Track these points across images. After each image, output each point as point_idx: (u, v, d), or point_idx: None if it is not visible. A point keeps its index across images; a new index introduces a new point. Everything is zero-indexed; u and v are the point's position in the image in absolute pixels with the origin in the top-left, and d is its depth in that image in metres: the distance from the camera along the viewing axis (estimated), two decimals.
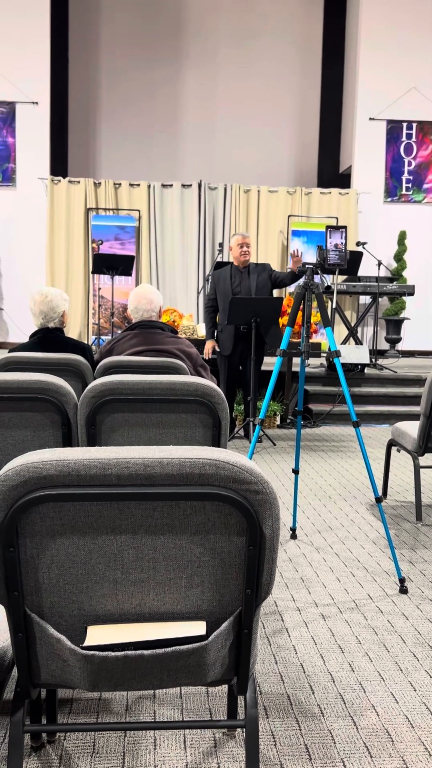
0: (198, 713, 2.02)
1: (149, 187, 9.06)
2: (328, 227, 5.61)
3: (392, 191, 9.52)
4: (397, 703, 2.09)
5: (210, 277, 6.19)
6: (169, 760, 1.81)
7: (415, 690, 2.16)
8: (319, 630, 2.54)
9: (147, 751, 1.84)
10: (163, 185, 9.11)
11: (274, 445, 5.65)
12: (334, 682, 2.20)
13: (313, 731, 1.94)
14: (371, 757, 1.84)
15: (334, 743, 1.89)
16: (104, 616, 1.35)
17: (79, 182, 9.00)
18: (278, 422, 6.47)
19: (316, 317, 6.61)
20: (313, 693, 2.13)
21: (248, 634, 1.39)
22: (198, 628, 1.36)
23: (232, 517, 1.31)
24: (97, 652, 1.31)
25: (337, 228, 5.28)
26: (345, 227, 5.62)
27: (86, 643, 1.31)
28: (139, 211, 9.05)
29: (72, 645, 1.31)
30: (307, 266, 2.95)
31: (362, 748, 1.87)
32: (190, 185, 9.10)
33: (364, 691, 2.14)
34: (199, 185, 9.08)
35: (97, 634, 1.33)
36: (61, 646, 1.32)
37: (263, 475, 1.29)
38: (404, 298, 8.99)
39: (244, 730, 1.46)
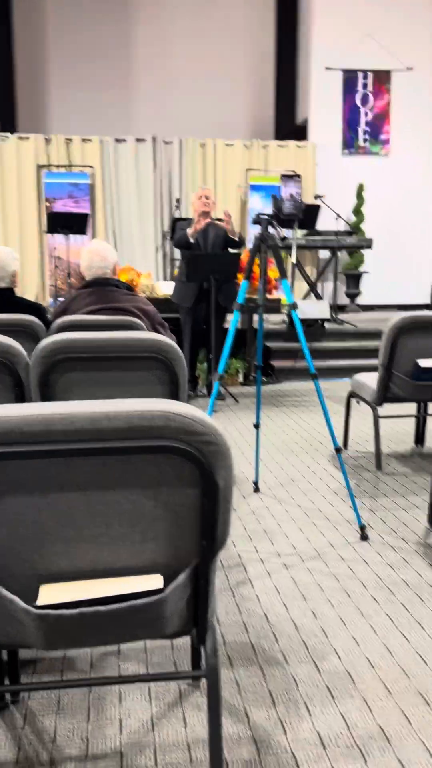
0: (163, 666, 2.03)
1: (102, 142, 8.80)
2: (282, 176, 5.51)
3: (350, 143, 9.42)
4: (359, 646, 2.13)
5: (174, 227, 6.03)
6: (134, 713, 1.82)
7: (375, 633, 2.20)
8: (282, 579, 2.57)
9: (112, 705, 1.85)
10: (117, 140, 8.85)
11: (237, 402, 5.65)
12: (297, 629, 2.23)
13: (276, 677, 1.97)
14: (333, 698, 1.88)
15: (297, 687, 1.92)
16: (58, 575, 1.33)
17: (29, 138, 8.68)
18: (241, 380, 6.47)
19: (275, 273, 6.56)
20: (276, 641, 2.16)
21: (205, 585, 1.39)
22: (154, 581, 1.35)
23: (184, 469, 1.28)
24: (51, 611, 1.29)
25: (291, 177, 5.19)
26: (299, 176, 5.51)
27: (39, 603, 1.29)
28: (92, 167, 8.79)
29: (25, 605, 1.29)
30: (261, 217, 2.90)
31: (324, 690, 1.91)
32: (145, 140, 8.87)
33: (327, 637, 2.18)
34: (154, 140, 8.85)
35: (51, 593, 1.31)
36: (14, 606, 1.30)
37: (215, 426, 1.27)
38: (363, 251, 8.98)
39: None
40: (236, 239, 5.42)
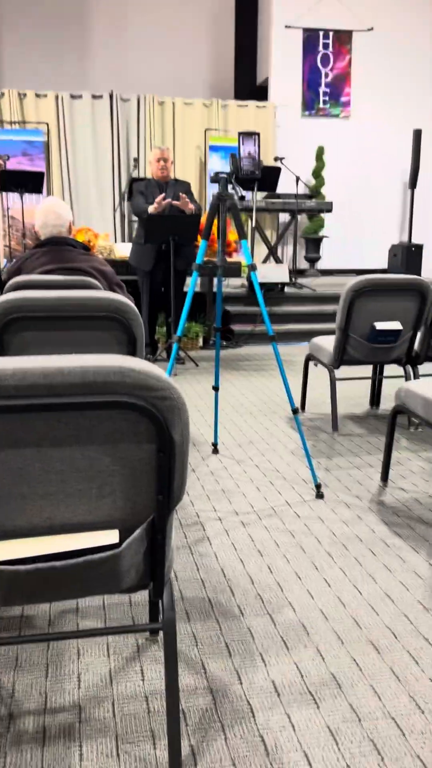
0: (121, 622, 2.06)
1: (57, 98, 8.52)
2: (240, 134, 5.42)
3: (310, 104, 9.33)
4: (313, 599, 2.19)
5: (132, 188, 5.88)
6: (92, 667, 1.85)
7: (329, 586, 2.27)
8: (239, 537, 2.61)
9: (70, 660, 1.87)
10: (72, 96, 8.58)
11: (197, 365, 5.65)
12: (253, 583, 2.28)
13: (233, 630, 2.02)
14: (287, 649, 1.93)
15: (253, 639, 1.97)
16: (13, 532, 1.32)
17: None
18: (201, 344, 6.46)
19: (235, 235, 6.51)
20: (233, 595, 2.20)
21: (162, 540, 1.40)
22: (110, 536, 1.35)
23: (140, 424, 1.28)
24: (6, 567, 1.28)
25: (250, 135, 5.12)
26: (258, 134, 5.44)
27: None
28: (47, 124, 8.52)
29: None
30: (220, 176, 2.86)
31: (279, 641, 1.97)
32: (101, 96, 8.62)
33: (282, 590, 2.24)
34: (111, 96, 8.61)
35: (6, 549, 1.30)
36: None
37: (170, 381, 1.26)
38: (323, 215, 8.98)
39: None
40: (190, 213, 5.31)
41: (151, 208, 5.23)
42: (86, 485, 1.32)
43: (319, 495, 2.98)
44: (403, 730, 1.62)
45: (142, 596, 2.17)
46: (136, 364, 1.25)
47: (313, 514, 2.82)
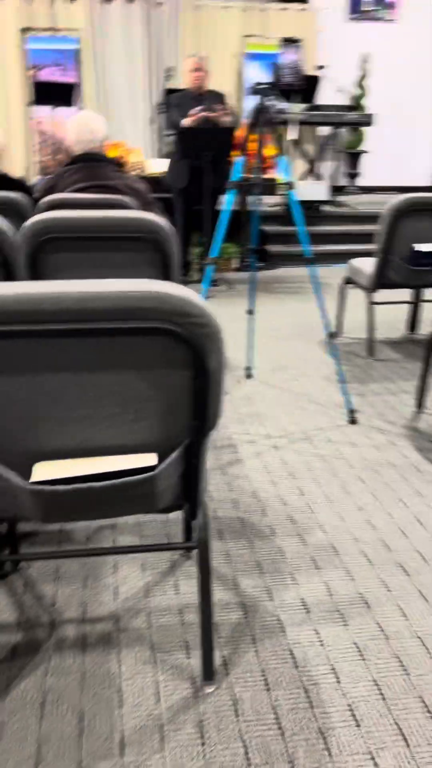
0: (156, 539, 2.13)
1: (89, 2, 8.11)
2: (282, 40, 5.11)
3: (355, 6, 8.72)
4: (344, 521, 2.23)
5: (168, 101, 5.66)
6: (129, 580, 1.92)
7: (360, 509, 2.30)
8: (272, 459, 2.64)
9: (108, 574, 1.95)
10: (104, 0, 8.16)
11: (232, 288, 5.58)
12: (285, 505, 2.32)
13: (264, 549, 2.07)
14: (317, 569, 1.98)
15: (284, 559, 2.03)
16: (51, 453, 1.35)
17: None
18: (236, 266, 6.35)
19: (272, 150, 6.27)
20: (264, 516, 2.25)
21: (197, 463, 1.42)
22: (149, 459, 1.38)
23: (176, 351, 1.27)
24: (45, 487, 1.32)
25: (292, 41, 4.83)
26: (300, 41, 5.12)
27: (33, 479, 1.32)
28: (79, 31, 8.16)
29: (20, 481, 1.32)
30: (260, 87, 2.72)
31: (309, 561, 2.02)
32: (134, 0, 8.18)
33: (313, 512, 2.28)
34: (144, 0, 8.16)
35: (45, 470, 1.34)
36: (9, 482, 1.33)
37: (206, 308, 1.25)
38: (363, 129, 8.56)
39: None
40: (228, 125, 5.11)
41: (185, 121, 5.05)
42: (122, 409, 1.33)
43: (353, 420, 2.98)
44: (429, 649, 1.67)
45: (177, 513, 2.23)
46: (172, 289, 1.23)
47: (345, 439, 2.83)
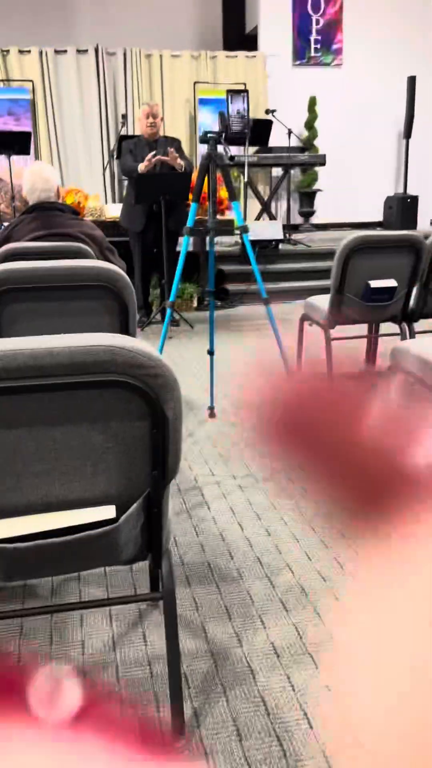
0: (123, 589, 2.09)
1: (41, 53, 8.26)
2: (228, 92, 5.30)
3: (301, 53, 9.06)
4: (311, 560, 2.23)
5: (120, 146, 5.76)
6: (96, 634, 1.89)
7: (327, 548, 2.30)
8: (237, 500, 2.64)
9: (74, 628, 1.91)
10: (57, 51, 8.32)
11: (192, 327, 5.63)
12: (251, 547, 2.31)
13: (232, 593, 2.06)
14: (286, 611, 1.97)
15: (253, 602, 2.01)
16: (10, 510, 1.33)
17: None
18: (195, 304, 6.41)
19: (226, 193, 6.41)
20: (232, 559, 2.24)
21: (158, 513, 1.42)
22: (107, 511, 1.37)
23: (132, 402, 1.28)
24: (6, 545, 1.30)
25: (238, 92, 5.00)
26: (246, 91, 5.31)
27: None
28: (32, 81, 8.29)
29: None
30: (209, 136, 2.80)
31: (278, 603, 2.01)
32: (87, 50, 8.36)
33: (280, 553, 2.27)
34: (96, 50, 8.35)
35: (5, 527, 1.32)
36: None
37: (161, 359, 1.26)
38: (316, 168, 8.81)
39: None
40: (180, 170, 5.22)
41: (141, 167, 5.14)
42: (81, 462, 1.33)
43: None
44: None
45: (144, 562, 2.21)
46: (126, 342, 1.24)
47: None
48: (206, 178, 3.00)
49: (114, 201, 8.36)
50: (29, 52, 8.26)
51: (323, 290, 4.48)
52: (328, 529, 2.42)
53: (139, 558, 1.50)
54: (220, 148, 2.87)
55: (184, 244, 3.12)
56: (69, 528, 1.35)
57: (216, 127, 7.69)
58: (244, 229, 2.93)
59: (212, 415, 3.57)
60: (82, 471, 1.33)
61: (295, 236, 7.85)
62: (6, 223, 7.77)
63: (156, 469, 1.36)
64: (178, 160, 5.18)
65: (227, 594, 2.05)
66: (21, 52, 8.25)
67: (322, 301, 3.96)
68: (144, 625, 1.91)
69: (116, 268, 2.34)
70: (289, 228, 7.88)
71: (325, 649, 1.81)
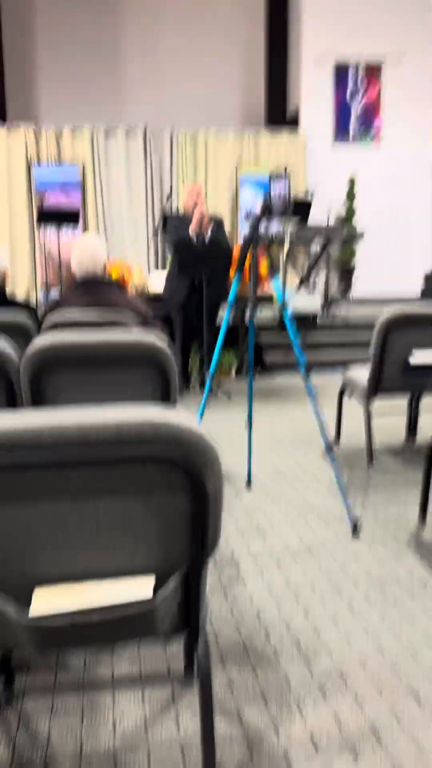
0: (156, 665, 2.04)
1: (92, 134, 8.74)
2: (270, 175, 5.49)
3: (340, 133, 9.39)
4: (350, 646, 2.15)
5: (165, 222, 6.00)
6: (128, 714, 1.83)
7: (366, 633, 2.22)
8: (274, 577, 2.58)
9: (106, 707, 1.86)
10: (107, 132, 8.80)
11: (230, 397, 5.66)
12: (288, 628, 2.25)
13: (268, 677, 1.99)
14: (324, 698, 1.90)
15: (289, 687, 1.94)
16: (49, 579, 1.33)
17: (19, 130, 8.61)
18: (234, 374, 6.47)
19: (266, 269, 6.56)
20: (268, 640, 2.18)
21: (196, 589, 1.40)
22: (146, 584, 1.35)
23: (174, 477, 1.29)
24: (43, 621, 1.29)
25: (280, 175, 5.18)
26: (288, 174, 5.50)
27: (32, 609, 1.30)
28: (83, 160, 8.74)
29: (17, 610, 1.29)
30: (251, 214, 2.89)
31: (316, 690, 1.93)
32: (135, 131, 8.81)
33: (318, 636, 2.20)
34: (144, 131, 8.80)
35: (44, 598, 1.31)
36: (6, 612, 1.30)
37: (203, 434, 1.27)
38: (355, 245, 8.97)
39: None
40: (206, 236, 5.41)
41: (191, 227, 5.33)
42: (121, 536, 1.33)
43: (355, 533, 2.94)
44: None
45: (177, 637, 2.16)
46: (169, 416, 1.26)
47: (349, 553, 2.78)
48: (248, 254, 3.08)
49: (157, 268, 8.61)
50: (81, 133, 8.73)
51: (362, 362, 4.48)
52: (368, 612, 2.34)
53: (175, 633, 1.47)
54: (261, 226, 2.95)
55: (225, 315, 3.19)
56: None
57: (257, 206, 7.94)
58: (284, 305, 2.98)
59: (249, 486, 3.54)
60: (122, 544, 1.33)
61: (334, 309, 7.92)
62: (54, 294, 8.07)
63: (195, 544, 1.35)
64: (204, 221, 5.38)
65: (263, 677, 1.98)
66: (74, 132, 8.73)
67: (361, 373, 3.96)
68: (177, 706, 1.85)
69: (158, 341, 2.40)
70: (328, 301, 7.97)
71: (365, 741, 1.72)
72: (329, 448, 2.96)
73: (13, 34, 9.82)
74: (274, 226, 5.73)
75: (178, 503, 1.32)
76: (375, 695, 1.90)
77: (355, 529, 2.94)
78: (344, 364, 6.62)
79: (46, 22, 9.91)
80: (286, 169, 8.05)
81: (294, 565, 2.68)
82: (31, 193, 8.66)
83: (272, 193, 5.21)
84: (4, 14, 9.73)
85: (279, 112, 10.13)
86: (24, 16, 9.87)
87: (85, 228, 8.68)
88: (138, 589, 1.35)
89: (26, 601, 1.33)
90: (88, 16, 9.88)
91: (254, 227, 2.83)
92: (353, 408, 4.82)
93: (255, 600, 2.42)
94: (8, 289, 3.44)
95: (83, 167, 8.75)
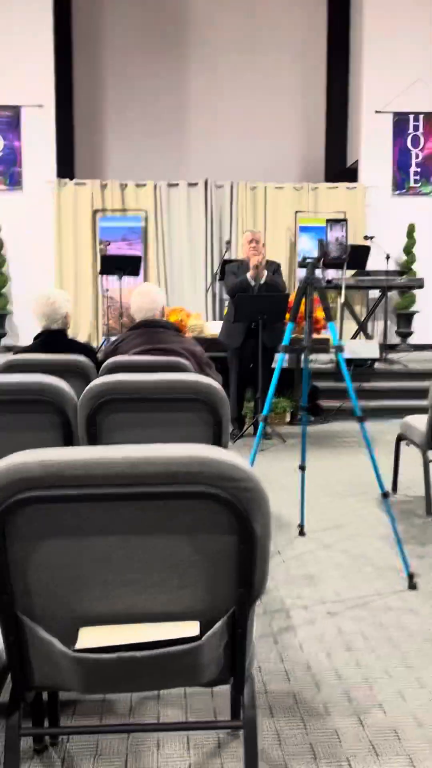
0: (202, 713, 2.00)
1: (155, 186, 9.05)
2: (328, 220, 5.56)
3: (400, 184, 9.43)
4: (405, 701, 2.06)
5: (224, 269, 6.14)
6: (172, 761, 1.80)
7: (422, 687, 2.13)
8: (326, 627, 2.51)
9: (150, 752, 1.83)
10: (170, 185, 9.09)
11: (284, 442, 5.62)
12: (340, 679, 2.17)
13: (318, 730, 1.92)
14: (377, 755, 1.81)
15: (340, 742, 1.87)
16: (95, 618, 1.34)
17: (85, 184, 9.00)
18: (288, 419, 6.44)
19: (322, 314, 6.56)
20: (319, 691, 2.11)
21: (243, 634, 1.38)
22: (191, 628, 1.34)
23: (221, 515, 1.29)
24: (89, 655, 1.29)
25: (337, 221, 5.24)
26: (345, 220, 5.56)
27: (78, 646, 1.30)
28: (145, 211, 9.04)
29: (63, 648, 1.30)
30: (307, 260, 2.92)
31: (368, 746, 1.85)
32: (196, 184, 9.08)
33: (371, 689, 2.12)
34: (206, 184, 9.05)
35: (89, 636, 1.32)
36: (52, 648, 1.31)
37: (252, 472, 1.27)
38: (414, 291, 8.90)
39: None
40: (261, 282, 5.49)
41: (249, 274, 5.43)
42: (167, 575, 1.33)
43: (412, 585, 2.83)
44: None
45: (226, 686, 2.11)
46: (218, 454, 1.26)
47: (405, 605, 2.68)
48: (303, 299, 3.10)
49: (215, 319, 8.73)
50: (145, 185, 9.06)
51: (420, 410, 4.39)
52: (424, 667, 2.24)
53: (220, 681, 1.45)
54: (317, 272, 2.98)
55: (279, 360, 3.20)
56: (151, 642, 1.33)
57: (315, 253, 8.00)
58: (339, 348, 2.97)
59: (302, 533, 3.48)
60: (169, 583, 1.33)
61: (392, 356, 7.84)
62: (114, 338, 8.26)
63: (242, 586, 1.33)
64: (264, 272, 5.45)
65: (312, 730, 1.91)
66: (138, 185, 9.06)
67: (420, 421, 3.88)
68: (222, 757, 1.80)
69: (212, 382, 2.42)
70: (386, 347, 7.89)
71: None
72: (385, 495, 2.89)
73: (83, 93, 10.37)
74: (331, 273, 5.77)
75: (225, 543, 1.31)
76: (430, 756, 1.80)
77: (411, 581, 2.84)
78: (402, 412, 6.51)
79: (112, 83, 10.42)
80: (345, 215, 8.11)
81: (346, 616, 2.60)
82: (95, 242, 8.99)
83: (329, 238, 5.26)
84: (75, 79, 10.29)
85: (337, 167, 10.27)
86: (93, 76, 10.42)
87: (146, 277, 8.92)
88: (184, 629, 1.34)
89: (71, 639, 1.33)
90: (152, 75, 10.34)
91: (310, 269, 2.86)
92: (411, 457, 4.71)
93: (306, 650, 2.35)
94: (70, 333, 3.55)
95: (146, 218, 9.04)
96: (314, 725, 1.94)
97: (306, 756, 1.81)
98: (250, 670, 1.47)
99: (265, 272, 5.49)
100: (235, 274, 5.63)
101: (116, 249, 8.85)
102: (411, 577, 2.85)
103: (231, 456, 1.27)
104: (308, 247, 8.82)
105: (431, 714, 1.99)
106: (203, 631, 1.35)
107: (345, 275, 7.40)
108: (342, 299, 7.36)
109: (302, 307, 3.20)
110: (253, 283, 5.50)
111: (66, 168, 9.68)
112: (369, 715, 1.98)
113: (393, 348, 8.76)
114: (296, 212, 9.13)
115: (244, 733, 1.43)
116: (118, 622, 1.34)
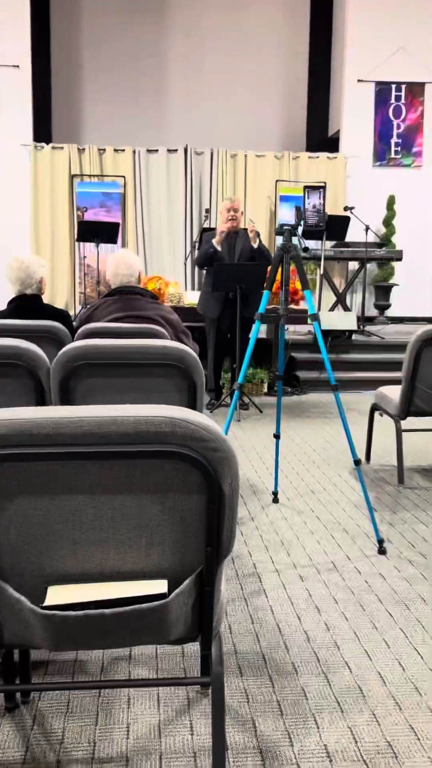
0: (172, 672, 2.04)
1: (134, 152, 8.90)
2: (305, 187, 5.51)
3: (381, 155, 9.38)
4: (371, 660, 2.11)
5: (202, 238, 6.08)
6: (142, 717, 1.83)
7: (388, 647, 2.18)
8: (297, 591, 2.55)
9: (120, 709, 1.86)
10: (149, 150, 8.95)
11: (261, 412, 5.65)
12: (309, 641, 2.22)
13: (285, 688, 1.96)
14: (342, 712, 1.86)
15: (306, 700, 1.91)
16: (65, 576, 1.35)
17: (62, 148, 8.82)
18: (265, 390, 6.46)
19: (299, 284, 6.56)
20: (288, 652, 2.15)
21: (210, 592, 1.39)
22: (159, 586, 1.36)
23: (190, 475, 1.29)
24: (57, 612, 1.30)
25: (315, 188, 5.19)
26: (323, 187, 5.50)
27: (46, 603, 1.31)
28: (124, 177, 8.90)
29: (32, 605, 1.31)
30: (284, 227, 2.91)
31: (334, 703, 1.90)
32: (176, 150, 8.94)
33: (339, 649, 2.17)
34: (185, 150, 8.92)
35: (58, 594, 1.33)
36: (21, 606, 1.32)
37: (220, 433, 1.28)
38: (393, 263, 8.92)
39: None
40: (254, 246, 5.45)
41: (215, 240, 5.40)
42: (136, 533, 1.34)
43: (382, 550, 2.89)
44: None
45: (195, 646, 2.15)
46: (187, 414, 1.27)
47: (374, 570, 2.74)
48: (280, 268, 3.09)
49: (193, 289, 8.68)
50: (123, 151, 8.90)
51: (396, 382, 4.45)
52: (391, 628, 2.29)
53: (188, 638, 1.47)
54: (294, 240, 2.97)
55: (255, 329, 3.19)
56: (120, 600, 1.34)
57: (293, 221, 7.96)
58: (315, 317, 2.97)
59: (276, 500, 3.52)
60: (138, 542, 1.34)
61: (369, 328, 7.87)
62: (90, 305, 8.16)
63: (210, 545, 1.35)
64: (255, 236, 5.41)
65: (280, 688, 1.96)
66: (116, 150, 8.90)
67: (394, 392, 3.92)
68: (192, 714, 1.84)
69: (186, 348, 2.42)
70: (364, 320, 7.92)
71: (381, 757, 1.68)
72: (357, 462, 2.92)
73: (59, 56, 10.11)
74: (311, 242, 5.74)
75: (194, 502, 1.32)
76: (394, 712, 1.86)
77: (382, 546, 2.89)
78: (377, 384, 6.57)
79: (91, 44, 10.17)
80: (325, 185, 8.05)
81: (317, 579, 2.65)
82: (72, 208, 8.84)
83: (306, 206, 5.22)
84: (53, 38, 10.02)
85: (319, 136, 10.17)
86: (70, 39, 10.15)
87: (124, 244, 8.82)
88: (152, 587, 1.35)
89: (40, 598, 1.34)
90: (132, 39, 10.11)
91: (287, 236, 2.84)
92: (386, 426, 4.77)
93: (276, 612, 2.39)
94: (46, 300, 3.51)
95: (124, 184, 8.91)
96: (282, 684, 1.98)
97: (273, 713, 1.85)
98: (218, 629, 1.49)
99: (257, 240, 5.46)
100: (209, 242, 5.58)
101: (93, 215, 8.72)
102: (381, 542, 2.90)
103: (200, 416, 1.28)
104: (288, 216, 8.77)
105: (395, 673, 2.04)
106: (172, 589, 1.36)
107: (324, 246, 7.38)
108: (321, 270, 7.35)
109: (278, 276, 3.19)
110: (219, 248, 5.45)
111: (43, 132, 9.46)
112: (336, 674, 2.03)
113: (371, 320, 8.79)
114: (276, 181, 9.06)
115: (212, 688, 1.46)
116: (87, 580, 1.35)
